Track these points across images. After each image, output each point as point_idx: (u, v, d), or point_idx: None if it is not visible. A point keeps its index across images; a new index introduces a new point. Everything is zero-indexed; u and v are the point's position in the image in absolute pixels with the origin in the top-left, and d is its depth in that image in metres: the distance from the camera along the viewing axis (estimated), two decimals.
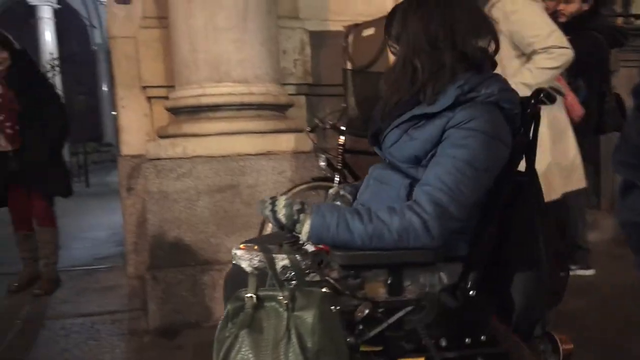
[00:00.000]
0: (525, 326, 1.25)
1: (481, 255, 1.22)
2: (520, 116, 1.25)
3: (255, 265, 1.20)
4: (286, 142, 2.77)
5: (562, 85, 2.61)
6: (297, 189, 2.61)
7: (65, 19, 12.71)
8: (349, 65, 2.56)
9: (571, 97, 2.68)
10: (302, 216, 1.21)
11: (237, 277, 1.30)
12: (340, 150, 2.61)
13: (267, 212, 1.25)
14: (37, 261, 3.42)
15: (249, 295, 1.10)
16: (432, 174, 1.19)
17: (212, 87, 2.74)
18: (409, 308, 1.20)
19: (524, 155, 1.26)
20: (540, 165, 1.35)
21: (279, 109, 2.94)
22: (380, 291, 1.23)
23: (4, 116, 3.08)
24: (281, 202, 1.24)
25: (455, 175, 1.17)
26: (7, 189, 3.23)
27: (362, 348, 1.19)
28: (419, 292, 1.23)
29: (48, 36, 12.12)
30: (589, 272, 3.10)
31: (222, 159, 2.69)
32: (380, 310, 1.20)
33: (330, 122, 2.65)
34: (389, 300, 1.22)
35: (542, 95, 1.21)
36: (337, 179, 2.57)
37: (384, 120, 1.37)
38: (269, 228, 2.54)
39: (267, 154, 2.74)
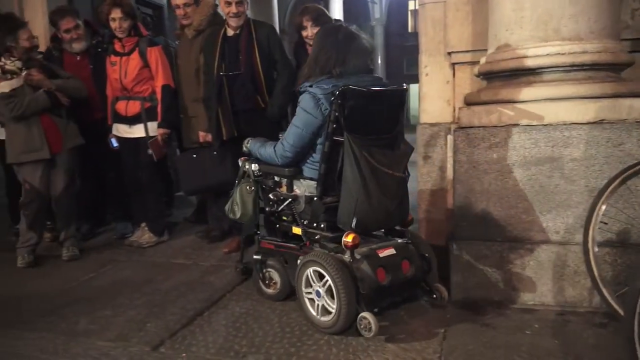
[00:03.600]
0: (342, 222, 2.32)
1: (322, 178, 2.34)
2: (329, 101, 2.25)
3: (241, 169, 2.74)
4: (627, 108, 2.32)
5: None
6: None
7: None
8: None
9: None
10: (248, 145, 2.71)
11: None
12: None
13: (244, 148, 2.73)
14: None
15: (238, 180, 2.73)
16: None
17: (535, 48, 2.46)
18: (290, 200, 2.49)
19: (334, 124, 2.25)
20: None
21: (615, 69, 2.48)
22: (284, 189, 2.54)
23: None
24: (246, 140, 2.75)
25: (289, 130, 2.39)
26: None
27: (283, 217, 2.60)
28: (299, 193, 2.47)
29: (337, 13, 13.32)
30: None
31: (543, 127, 2.42)
32: (282, 198, 2.53)
33: None
34: (286, 193, 2.53)
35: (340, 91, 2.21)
36: None
37: None
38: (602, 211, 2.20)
39: (600, 123, 2.34)
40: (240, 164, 2.74)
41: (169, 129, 3.67)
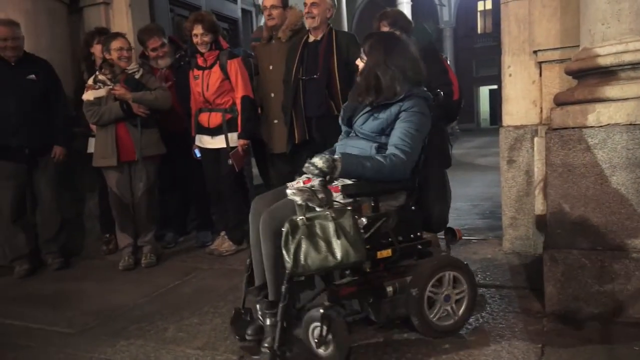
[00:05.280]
0: (437, 226, 2.63)
1: (416, 187, 2.34)
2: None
3: (301, 201, 1.97)
4: None
5: None
6: None
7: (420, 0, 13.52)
8: None
9: None
10: (336, 162, 2.05)
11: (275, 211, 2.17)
12: None
13: (310, 167, 2.03)
14: None
15: (300, 217, 1.94)
16: (397, 137, 2.21)
17: (636, 42, 2.28)
18: (384, 219, 2.20)
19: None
20: None
21: None
22: (367, 210, 2.20)
23: None
24: (317, 158, 2.03)
25: (411, 136, 2.20)
26: None
27: None
28: (387, 209, 2.25)
29: None
30: None
31: None
32: (371, 221, 2.18)
33: None
34: (373, 214, 2.20)
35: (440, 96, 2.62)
36: None
37: (356, 108, 2.43)
38: None
39: None
40: (303, 196, 1.96)
41: (248, 140, 3.74)
